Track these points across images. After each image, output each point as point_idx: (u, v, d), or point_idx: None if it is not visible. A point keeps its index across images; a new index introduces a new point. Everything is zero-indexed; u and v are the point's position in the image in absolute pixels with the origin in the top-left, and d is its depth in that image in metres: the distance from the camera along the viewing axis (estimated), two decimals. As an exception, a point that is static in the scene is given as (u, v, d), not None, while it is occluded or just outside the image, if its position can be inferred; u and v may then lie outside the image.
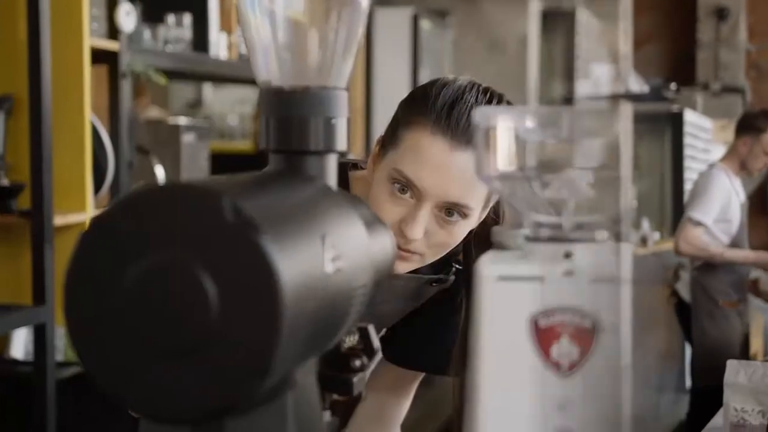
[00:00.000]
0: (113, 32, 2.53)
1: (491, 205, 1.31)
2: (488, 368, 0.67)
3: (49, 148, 2.26)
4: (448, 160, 1.19)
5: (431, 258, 1.27)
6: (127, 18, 2.49)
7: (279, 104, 0.77)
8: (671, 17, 8.02)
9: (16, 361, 2.53)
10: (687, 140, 6.57)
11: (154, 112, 4.28)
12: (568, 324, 0.66)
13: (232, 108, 5.37)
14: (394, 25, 5.61)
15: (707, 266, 4.28)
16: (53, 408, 2.22)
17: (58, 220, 2.29)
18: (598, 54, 7.69)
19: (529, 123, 0.69)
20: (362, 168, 1.38)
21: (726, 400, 2.01)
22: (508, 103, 1.27)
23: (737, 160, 4.27)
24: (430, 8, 6.70)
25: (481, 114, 0.69)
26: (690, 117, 6.66)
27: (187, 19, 2.91)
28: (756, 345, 4.69)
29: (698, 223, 4.13)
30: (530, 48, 5.52)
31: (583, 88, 5.22)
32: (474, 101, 1.22)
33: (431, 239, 1.23)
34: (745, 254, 4.36)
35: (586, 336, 0.66)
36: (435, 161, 1.20)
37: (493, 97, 1.25)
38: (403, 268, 1.26)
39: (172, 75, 3.13)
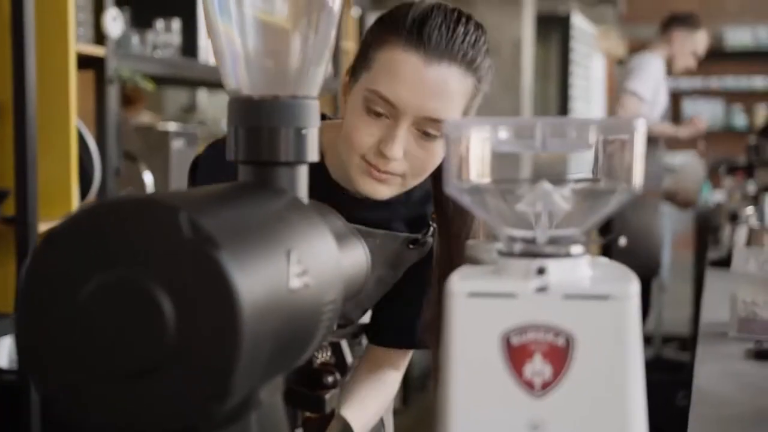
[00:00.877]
0: (100, 38, 2.51)
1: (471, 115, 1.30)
2: (459, 387, 0.65)
3: (33, 154, 2.23)
4: (423, 75, 1.19)
5: (412, 181, 1.25)
6: (114, 23, 2.47)
7: (248, 114, 0.75)
8: None
9: (0, 370, 2.51)
10: (572, 44, 6.64)
11: (146, 117, 4.26)
12: (542, 342, 0.64)
13: (226, 113, 5.34)
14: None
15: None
16: (38, 417, 2.20)
17: (44, 227, 2.26)
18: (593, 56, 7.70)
19: (502, 134, 0.67)
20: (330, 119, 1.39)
21: (733, 292, 1.89)
22: (478, 25, 1.27)
23: (665, 54, 4.36)
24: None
25: (451, 125, 0.67)
26: (577, 21, 6.70)
27: (176, 24, 2.89)
28: None
29: (634, 94, 4.21)
30: (525, 52, 5.50)
31: None
32: (443, 17, 1.22)
33: (411, 159, 1.22)
34: (676, 130, 4.50)
35: (560, 354, 0.64)
36: (410, 77, 1.19)
37: (461, 16, 1.25)
38: (384, 192, 1.25)
39: (161, 81, 3.11)
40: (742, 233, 2.88)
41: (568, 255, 0.67)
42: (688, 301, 5.69)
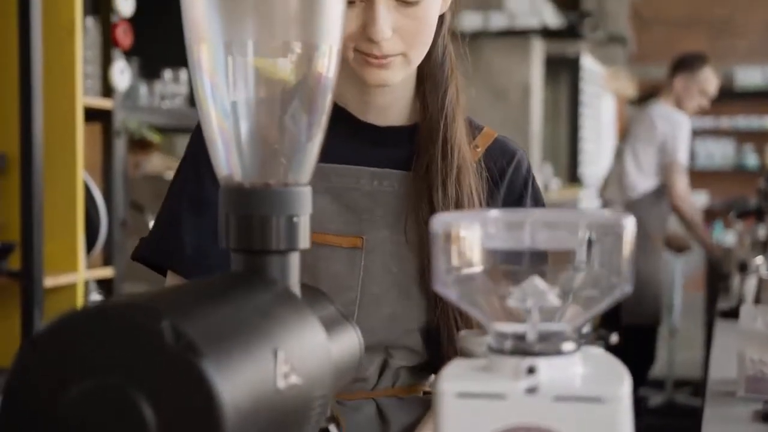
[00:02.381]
0: (108, 90, 2.53)
1: None
2: (448, 489, 0.64)
3: (40, 208, 2.24)
4: None
5: (416, 56, 1.18)
6: (122, 76, 2.48)
7: (239, 202, 0.74)
8: None
9: None
10: (582, 86, 6.66)
11: (157, 161, 4.27)
12: (531, 444, 0.63)
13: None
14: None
15: (642, 200, 4.32)
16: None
17: (49, 282, 2.26)
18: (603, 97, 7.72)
19: (491, 229, 0.67)
20: None
21: (741, 350, 1.86)
22: None
23: (673, 99, 4.37)
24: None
25: (438, 222, 0.67)
26: (586, 62, 6.73)
27: (184, 74, 2.90)
28: None
29: (684, 167, 4.26)
30: (533, 95, 5.51)
31: (497, 20, 5.20)
32: None
33: (403, 34, 1.15)
34: (710, 242, 4.59)
35: (550, 457, 0.63)
36: None
37: None
38: (391, 76, 1.17)
39: (169, 130, 3.12)
40: (751, 284, 2.85)
41: (559, 353, 0.66)
42: (700, 343, 5.65)
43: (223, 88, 0.74)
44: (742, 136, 9.81)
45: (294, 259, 0.75)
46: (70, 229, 2.33)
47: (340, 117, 1.25)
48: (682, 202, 4.27)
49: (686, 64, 4.38)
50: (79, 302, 2.36)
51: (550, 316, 0.67)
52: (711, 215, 9.70)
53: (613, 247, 0.65)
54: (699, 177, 9.88)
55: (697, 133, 9.83)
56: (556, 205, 5.03)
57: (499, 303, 0.68)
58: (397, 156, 1.24)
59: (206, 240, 1.18)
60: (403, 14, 1.14)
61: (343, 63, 1.18)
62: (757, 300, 2.75)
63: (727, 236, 6.99)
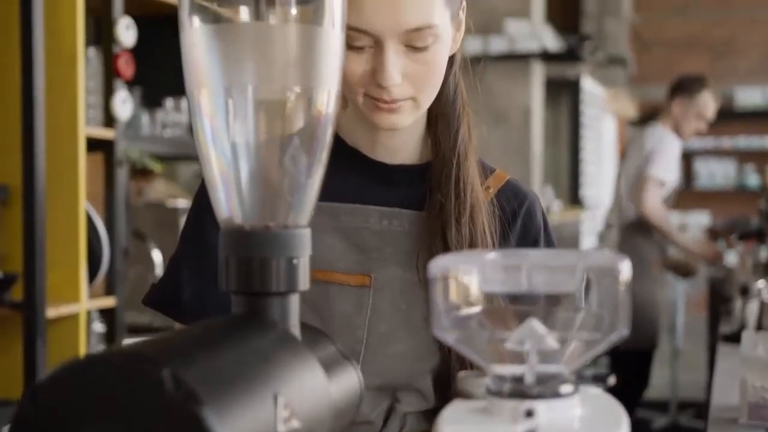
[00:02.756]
0: (110, 120, 2.54)
1: (461, 11, 1.21)
2: None
3: (42, 239, 2.24)
4: None
5: (426, 100, 1.17)
6: (124, 106, 2.50)
7: (239, 244, 0.75)
8: None
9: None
10: (582, 108, 6.67)
11: (160, 187, 4.28)
12: (530, 489, 0.63)
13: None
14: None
15: (639, 224, 4.30)
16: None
17: (51, 312, 2.27)
18: (604, 118, 7.74)
19: (488, 273, 0.67)
20: None
21: (743, 377, 1.85)
22: None
23: (671, 123, 4.36)
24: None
25: (437, 264, 0.67)
26: (587, 85, 6.74)
27: (185, 103, 2.92)
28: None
29: (661, 183, 4.20)
30: (534, 119, 5.53)
31: (497, 44, 5.22)
32: None
33: (412, 79, 1.14)
34: (692, 244, 4.50)
35: (549, 501, 0.63)
36: None
37: None
38: (401, 120, 1.16)
39: (170, 158, 3.14)
40: (753, 308, 2.85)
41: (557, 395, 0.66)
42: (704, 364, 5.65)
43: (223, 131, 0.75)
44: (743, 156, 9.83)
45: (294, 301, 0.76)
46: (73, 260, 2.34)
47: (350, 156, 1.25)
48: (650, 213, 4.24)
49: (684, 87, 4.38)
50: (82, 332, 2.36)
51: (549, 358, 0.68)
52: (713, 235, 9.72)
53: (610, 290, 0.66)
54: (700, 197, 9.90)
55: (698, 153, 9.86)
56: (558, 227, 5.04)
57: (497, 345, 0.68)
58: (408, 195, 1.24)
59: (206, 286, 1.18)
60: (412, 59, 1.13)
61: (353, 104, 1.19)
62: (759, 324, 2.75)
63: (729, 256, 6.98)
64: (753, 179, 9.78)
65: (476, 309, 0.69)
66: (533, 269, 0.66)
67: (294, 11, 0.78)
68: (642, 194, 4.22)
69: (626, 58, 9.05)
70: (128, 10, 2.60)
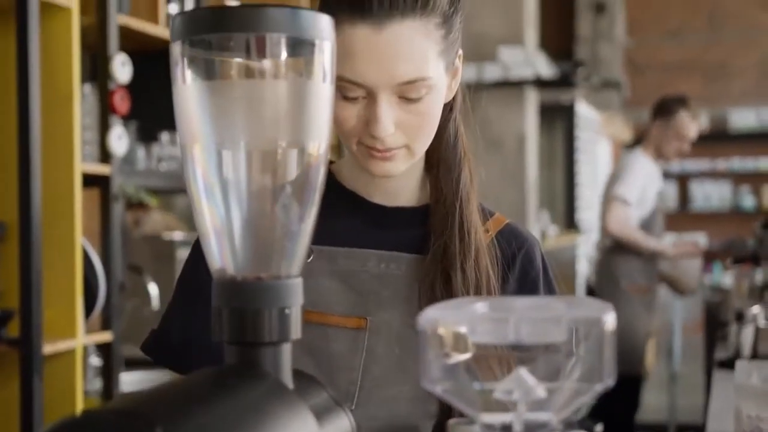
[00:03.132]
0: (105, 156, 2.56)
1: (457, 59, 1.20)
2: None
3: (39, 275, 2.25)
4: (376, 43, 1.10)
5: (420, 148, 1.17)
6: (119, 142, 2.52)
7: (232, 295, 0.76)
8: (548, 10, 8.19)
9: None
10: (577, 132, 6.70)
11: (157, 217, 4.29)
12: None
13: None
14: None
15: (617, 248, 4.28)
16: None
17: (48, 348, 2.27)
18: (596, 141, 7.77)
19: (476, 325, 0.68)
20: None
21: (737, 406, 1.85)
22: None
23: (653, 145, 4.37)
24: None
25: (425, 317, 0.68)
26: (581, 109, 6.77)
27: (181, 136, 2.93)
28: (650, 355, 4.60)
29: (624, 201, 4.19)
30: (529, 144, 5.56)
31: (491, 71, 5.25)
32: None
33: (406, 129, 1.14)
34: (664, 246, 4.42)
35: None
36: (364, 50, 1.10)
37: None
38: (394, 168, 1.17)
39: (167, 191, 3.15)
40: (748, 333, 2.86)
41: (546, 445, 0.67)
42: (702, 387, 5.64)
43: (215, 184, 0.76)
44: (738, 178, 9.87)
45: (286, 350, 0.77)
46: (69, 296, 2.35)
47: (348, 199, 1.26)
48: (614, 230, 4.22)
49: (663, 109, 4.39)
50: (78, 368, 2.37)
51: (537, 407, 0.69)
52: (710, 257, 9.74)
53: (595, 341, 0.67)
54: (696, 219, 9.93)
55: (694, 176, 9.90)
56: (554, 252, 5.05)
57: (486, 395, 0.69)
58: (406, 238, 1.24)
59: (196, 334, 1.19)
60: (406, 110, 1.14)
61: (349, 150, 1.20)
62: (755, 350, 2.76)
63: (725, 278, 6.97)
64: (748, 201, 9.81)
65: (464, 360, 0.70)
66: (521, 321, 0.68)
67: (284, 66, 0.80)
68: (605, 214, 4.26)
69: (620, 81, 9.10)
70: (123, 45, 2.63)
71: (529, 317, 0.68)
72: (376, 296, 1.20)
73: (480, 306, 0.71)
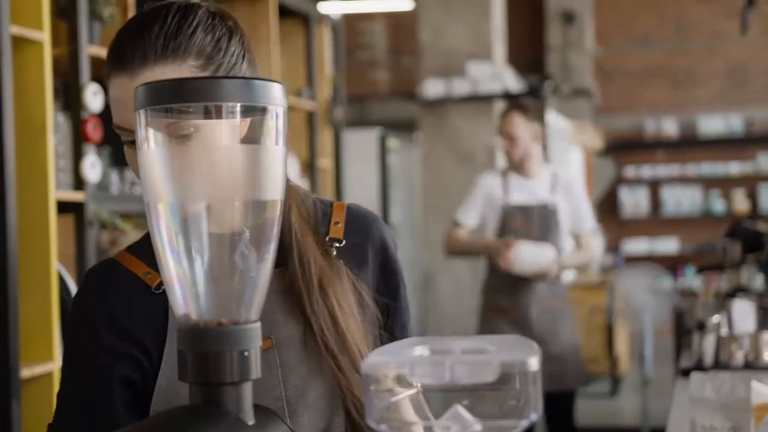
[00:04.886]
0: (79, 183, 2.61)
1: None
2: None
3: (15, 301, 2.31)
4: (132, 88, 1.09)
5: None
6: (93, 169, 2.58)
7: (195, 340, 0.83)
8: (518, 20, 8.31)
9: None
10: (548, 142, 6.78)
11: (133, 237, 4.34)
12: None
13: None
14: (363, 144, 5.78)
15: (490, 270, 4.07)
16: None
17: (25, 372, 2.33)
18: (566, 148, 7.87)
19: (416, 368, 0.76)
20: None
21: (692, 418, 1.92)
22: (181, 8, 1.19)
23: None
24: (399, 124, 6.85)
25: (368, 364, 0.76)
26: (551, 119, 6.85)
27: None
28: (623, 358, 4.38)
29: (456, 224, 4.08)
30: (499, 157, 5.64)
31: (460, 86, 5.29)
32: (136, 26, 1.18)
33: None
34: (487, 240, 4.09)
35: None
36: (123, 96, 1.15)
37: (157, 13, 1.18)
38: None
39: (141, 215, 3.21)
40: (710, 342, 2.93)
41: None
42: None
43: (179, 239, 0.84)
44: (708, 183, 10.01)
45: (247, 388, 0.84)
46: (46, 320, 2.40)
47: None
48: (446, 250, 4.15)
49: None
50: (56, 391, 2.41)
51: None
52: (682, 261, 9.88)
53: (523, 380, 0.74)
54: (668, 224, 10.07)
55: (664, 181, 10.03)
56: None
57: (426, 430, 0.77)
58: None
59: (101, 418, 1.21)
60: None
61: None
62: (716, 359, 2.84)
63: (696, 282, 7.08)
64: (718, 205, 9.96)
65: (405, 400, 0.77)
66: (455, 364, 0.75)
67: (239, 130, 0.87)
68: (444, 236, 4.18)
69: (591, 89, 9.22)
70: (95, 73, 2.68)
71: (463, 361, 0.75)
72: (272, 315, 1.25)
73: (419, 351, 0.78)
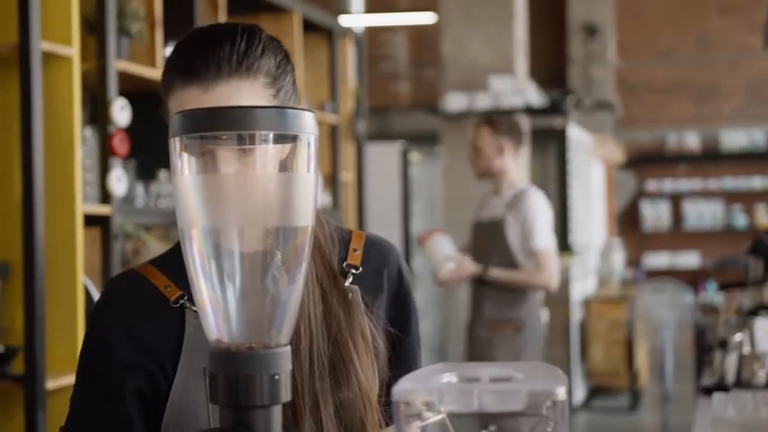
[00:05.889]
0: (106, 196, 2.64)
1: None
2: None
3: (42, 313, 2.34)
4: (207, 101, 1.15)
5: None
6: (119, 183, 2.60)
7: (226, 363, 0.84)
8: (540, 33, 8.29)
9: None
10: (569, 155, 6.77)
11: (155, 247, 4.37)
12: None
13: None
14: (385, 158, 5.80)
15: (479, 282, 3.90)
16: None
17: (51, 384, 2.35)
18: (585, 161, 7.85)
19: (445, 396, 0.77)
20: None
21: None
22: (248, 29, 1.21)
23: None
24: (420, 137, 6.85)
25: (398, 391, 0.77)
26: (573, 133, 6.84)
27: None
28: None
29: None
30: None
31: (482, 100, 5.28)
32: (205, 38, 1.19)
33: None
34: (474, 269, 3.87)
35: None
36: (194, 105, 1.16)
37: (221, 29, 1.21)
38: None
39: (165, 228, 3.23)
40: (732, 361, 2.92)
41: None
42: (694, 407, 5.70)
43: (212, 264, 0.85)
44: (730, 197, 9.97)
45: (277, 411, 0.86)
46: (72, 332, 2.43)
47: None
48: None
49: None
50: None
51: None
52: (703, 275, 9.84)
53: (550, 409, 0.76)
54: (690, 238, 10.02)
55: (686, 195, 9.99)
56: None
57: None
58: None
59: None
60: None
61: None
62: (738, 378, 2.83)
63: (718, 297, 7.03)
64: (740, 219, 9.91)
65: (434, 426, 0.78)
66: (483, 392, 0.76)
67: (272, 158, 0.88)
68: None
69: (613, 103, 9.21)
70: (122, 88, 2.72)
71: (491, 389, 0.76)
72: None
73: (447, 378, 0.79)
